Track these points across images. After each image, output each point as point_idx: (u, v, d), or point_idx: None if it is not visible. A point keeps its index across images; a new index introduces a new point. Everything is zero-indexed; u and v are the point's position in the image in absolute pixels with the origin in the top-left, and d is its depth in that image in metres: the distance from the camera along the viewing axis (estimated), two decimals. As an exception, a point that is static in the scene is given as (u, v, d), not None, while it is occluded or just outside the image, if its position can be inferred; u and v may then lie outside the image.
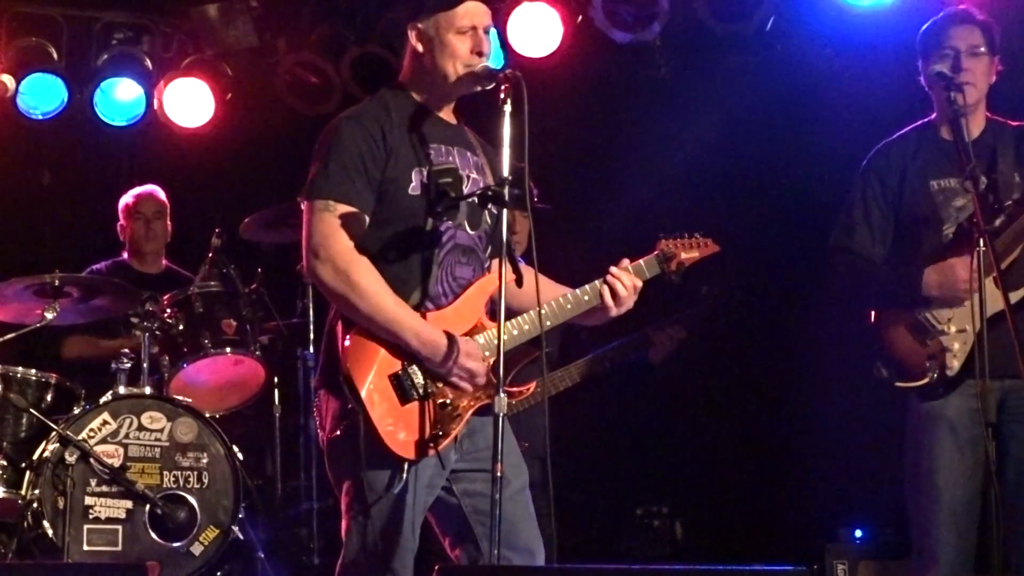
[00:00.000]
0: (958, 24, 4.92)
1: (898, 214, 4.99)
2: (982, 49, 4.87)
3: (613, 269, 4.13)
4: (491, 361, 3.91)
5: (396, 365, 3.89)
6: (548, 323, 4.02)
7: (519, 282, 3.89)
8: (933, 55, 4.90)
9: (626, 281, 4.11)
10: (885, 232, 5.00)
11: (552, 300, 4.08)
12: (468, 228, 4.04)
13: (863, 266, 5.00)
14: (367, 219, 3.92)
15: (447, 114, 4.13)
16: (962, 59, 4.84)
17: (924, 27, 5.00)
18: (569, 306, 4.10)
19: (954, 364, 4.78)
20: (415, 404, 3.89)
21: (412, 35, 4.05)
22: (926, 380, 4.82)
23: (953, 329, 4.79)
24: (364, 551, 3.88)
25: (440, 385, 3.92)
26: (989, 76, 4.92)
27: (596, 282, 4.12)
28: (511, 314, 3.99)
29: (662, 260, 4.26)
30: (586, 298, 4.11)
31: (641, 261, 4.21)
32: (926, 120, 5.01)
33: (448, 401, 3.92)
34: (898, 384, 4.90)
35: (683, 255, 4.31)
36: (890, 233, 5.00)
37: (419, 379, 3.90)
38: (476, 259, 4.09)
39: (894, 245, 5.01)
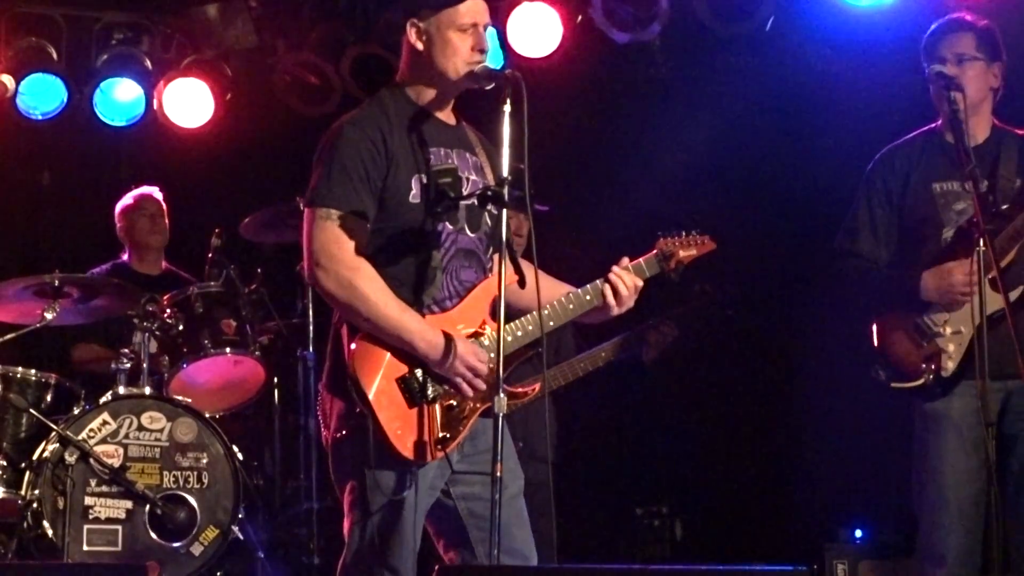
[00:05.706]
0: (949, 33, 4.94)
1: (901, 217, 5.00)
2: (974, 55, 4.87)
3: (615, 269, 4.12)
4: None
5: (403, 368, 3.88)
6: (551, 324, 4.01)
7: (522, 283, 3.89)
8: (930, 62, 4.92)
9: (627, 281, 4.10)
10: (889, 235, 5.01)
11: (554, 300, 4.07)
12: (468, 231, 4.02)
13: (866, 270, 5.01)
14: (369, 226, 3.90)
15: (446, 115, 4.10)
16: (946, 67, 4.84)
17: (927, 34, 5.02)
18: (571, 306, 4.09)
19: (949, 365, 4.79)
20: (423, 407, 3.87)
21: (412, 32, 4.01)
22: (922, 381, 4.83)
23: (949, 331, 4.80)
24: (366, 551, 3.87)
25: (447, 388, 3.91)
26: (984, 81, 4.91)
27: (597, 281, 4.11)
28: (514, 313, 3.98)
29: (662, 259, 4.24)
30: (588, 298, 4.10)
31: (641, 260, 4.20)
32: (932, 125, 5.00)
33: (455, 404, 3.91)
34: (894, 385, 4.91)
35: (682, 253, 4.29)
36: (894, 236, 5.01)
37: (426, 382, 3.88)
38: (478, 262, 4.07)
39: (897, 248, 5.01)
